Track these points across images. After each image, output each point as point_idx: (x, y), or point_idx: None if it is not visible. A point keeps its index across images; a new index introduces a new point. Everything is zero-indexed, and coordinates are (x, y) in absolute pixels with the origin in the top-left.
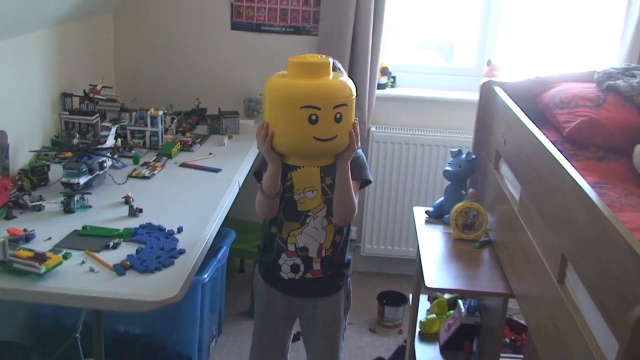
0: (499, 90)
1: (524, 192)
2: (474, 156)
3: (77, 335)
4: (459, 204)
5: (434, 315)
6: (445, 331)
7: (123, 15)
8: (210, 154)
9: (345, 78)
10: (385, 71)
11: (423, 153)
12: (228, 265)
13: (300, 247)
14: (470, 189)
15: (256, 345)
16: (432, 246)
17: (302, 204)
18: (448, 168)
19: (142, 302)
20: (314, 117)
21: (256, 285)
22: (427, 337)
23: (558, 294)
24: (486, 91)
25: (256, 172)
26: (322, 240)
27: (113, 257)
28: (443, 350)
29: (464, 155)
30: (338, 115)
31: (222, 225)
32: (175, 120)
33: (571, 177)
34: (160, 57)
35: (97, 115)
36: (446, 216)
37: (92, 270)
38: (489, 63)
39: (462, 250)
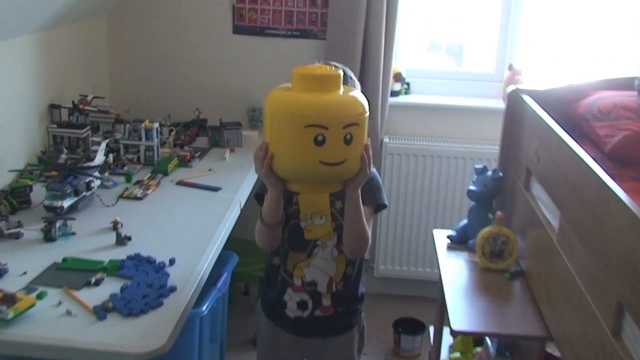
0: (528, 99)
1: (564, 219)
2: (500, 174)
3: None
4: (485, 229)
5: (457, 354)
6: None
7: (118, 18)
8: (210, 170)
9: (357, 93)
10: (398, 77)
11: (441, 166)
12: (232, 288)
13: (307, 281)
14: (498, 212)
15: None
16: (456, 277)
17: (309, 231)
18: (472, 187)
19: (123, 353)
20: (320, 138)
21: (259, 323)
22: None
23: (614, 349)
24: (513, 100)
25: (257, 195)
26: (332, 273)
27: (95, 295)
28: None
29: (489, 173)
30: (348, 136)
31: (224, 247)
32: (173, 132)
33: (629, 208)
34: (157, 64)
35: (88, 128)
36: (471, 241)
37: (68, 313)
38: (510, 67)
39: (490, 282)
